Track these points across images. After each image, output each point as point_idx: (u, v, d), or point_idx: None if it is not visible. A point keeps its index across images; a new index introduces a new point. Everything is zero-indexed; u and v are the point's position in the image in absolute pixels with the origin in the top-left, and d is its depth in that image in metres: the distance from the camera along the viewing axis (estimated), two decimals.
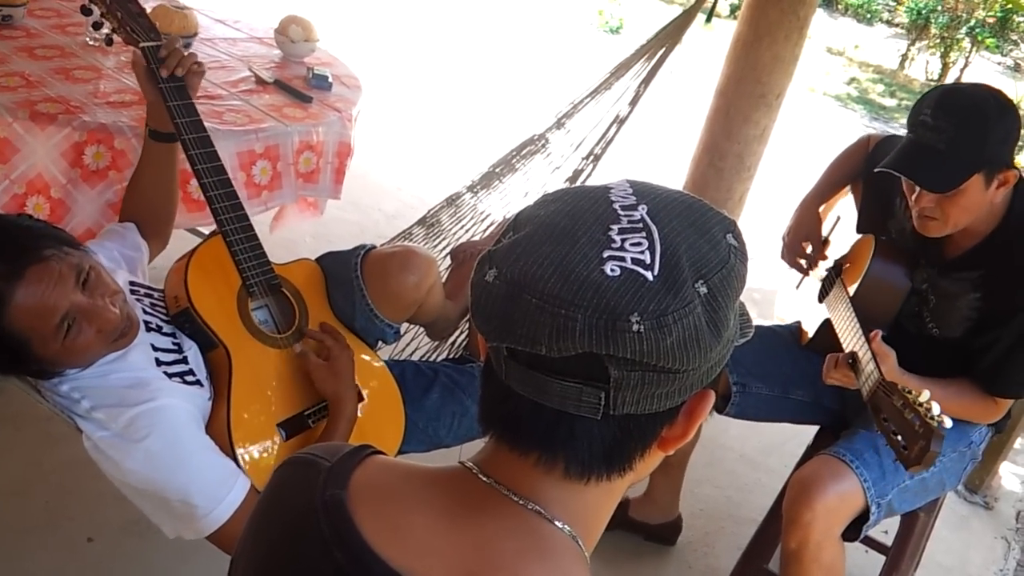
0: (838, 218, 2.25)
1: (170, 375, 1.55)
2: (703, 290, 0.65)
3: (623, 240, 0.66)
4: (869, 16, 13.24)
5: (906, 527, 2.07)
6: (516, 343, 0.66)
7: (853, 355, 1.75)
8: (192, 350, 1.64)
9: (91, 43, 2.25)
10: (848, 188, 2.23)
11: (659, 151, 5.49)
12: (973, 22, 10.39)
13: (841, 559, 1.84)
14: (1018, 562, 2.74)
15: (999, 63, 12.52)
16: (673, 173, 3.83)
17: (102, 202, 1.98)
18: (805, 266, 2.26)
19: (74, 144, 1.89)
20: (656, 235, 0.66)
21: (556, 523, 0.70)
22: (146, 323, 1.60)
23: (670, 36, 2.45)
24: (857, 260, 2.02)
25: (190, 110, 1.72)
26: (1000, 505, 2.98)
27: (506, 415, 0.71)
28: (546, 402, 0.67)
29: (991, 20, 11.28)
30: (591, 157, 2.42)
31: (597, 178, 3.04)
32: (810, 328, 2.13)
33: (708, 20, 10.60)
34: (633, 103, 2.43)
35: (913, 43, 10.78)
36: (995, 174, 1.71)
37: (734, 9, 11.19)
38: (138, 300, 1.65)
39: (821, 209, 2.25)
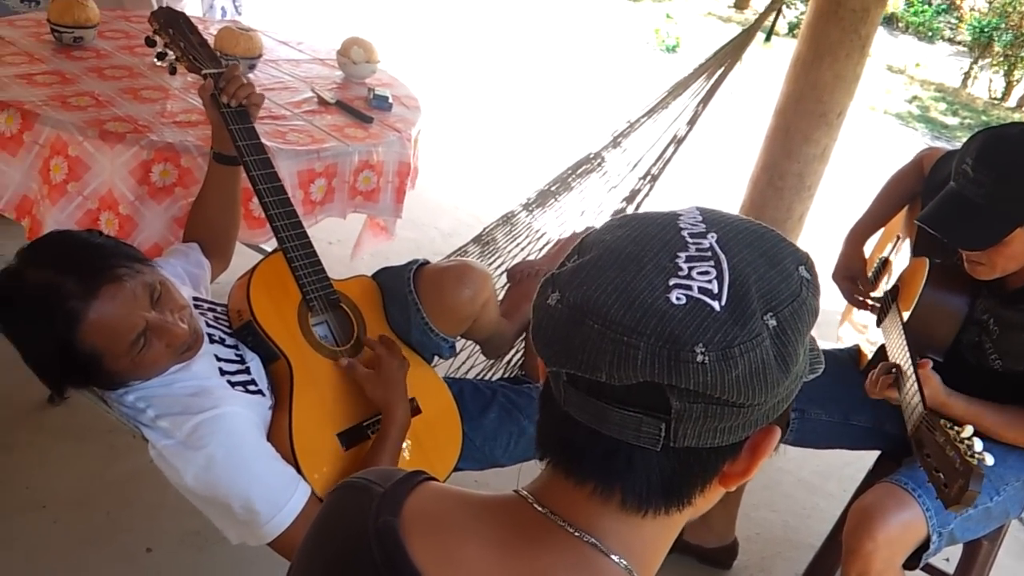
0: (898, 237, 2.21)
1: (233, 384, 1.58)
2: (772, 323, 0.63)
3: (690, 268, 0.64)
4: (930, 34, 13.04)
5: (969, 556, 2.01)
6: (576, 369, 0.64)
7: (896, 367, 1.71)
8: (255, 362, 1.67)
9: (158, 64, 2.30)
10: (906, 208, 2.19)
11: (717, 171, 5.46)
12: None
13: None
14: None
15: None
16: (731, 193, 3.80)
17: (168, 217, 2.03)
18: (861, 301, 2.21)
19: (142, 162, 1.94)
20: (725, 264, 0.64)
21: (613, 556, 0.69)
22: (209, 335, 1.63)
23: (729, 55, 2.44)
24: (910, 285, 1.97)
25: (251, 133, 1.76)
26: None
27: (563, 442, 0.69)
28: (605, 431, 0.66)
29: None
30: (648, 177, 2.42)
31: (654, 198, 3.03)
32: (869, 351, 2.09)
33: (768, 39, 10.52)
34: (692, 122, 2.42)
35: (976, 61, 10.59)
36: None
37: (792, 28, 11.10)
38: (201, 314, 1.69)
39: (881, 232, 2.21)
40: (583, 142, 2.79)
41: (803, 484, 2.92)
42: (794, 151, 3.14)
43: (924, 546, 1.76)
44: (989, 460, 1.42)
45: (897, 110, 8.79)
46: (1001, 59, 10.36)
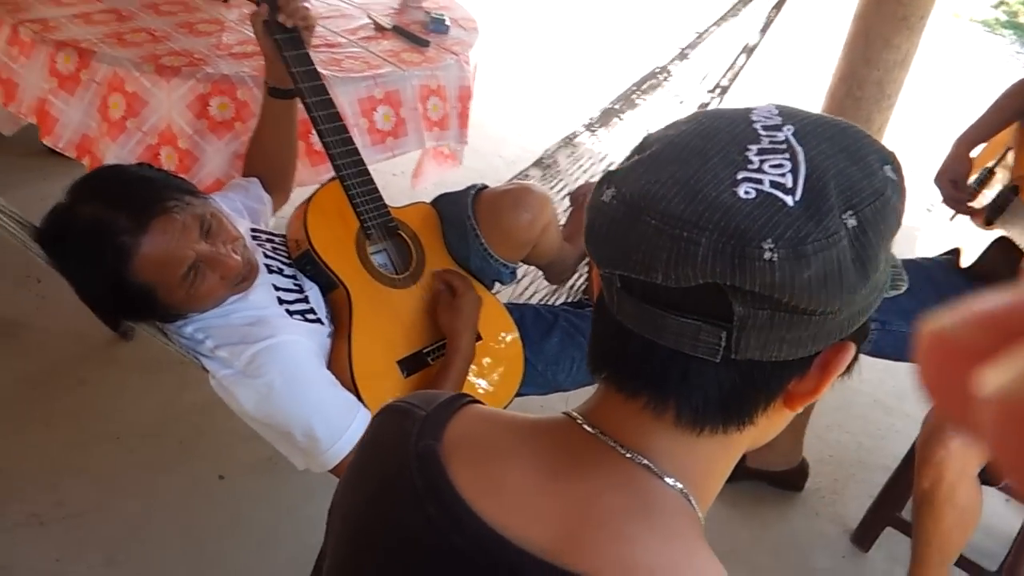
0: (1007, 149, 2.11)
1: (291, 313, 1.58)
2: (852, 222, 0.56)
3: (762, 162, 0.58)
4: None
5: None
6: (631, 271, 0.59)
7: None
8: (313, 291, 1.67)
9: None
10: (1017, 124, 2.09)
11: (793, 84, 5.26)
12: None
13: (977, 502, 1.75)
14: None
15: None
16: (806, 105, 3.65)
17: (229, 152, 2.03)
18: (963, 206, 2.14)
19: (199, 96, 1.94)
20: (801, 157, 0.58)
21: (667, 479, 0.64)
22: (267, 266, 1.64)
23: None
24: None
25: (305, 60, 1.73)
26: None
27: (616, 354, 0.64)
28: (660, 340, 0.60)
29: None
30: (717, 89, 2.32)
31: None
32: (973, 252, 2.01)
33: None
34: (764, 30, 2.30)
35: None
36: None
37: None
38: (259, 245, 1.69)
39: (985, 144, 2.12)
40: (648, 60, 2.70)
41: (879, 405, 2.84)
42: (874, 58, 2.96)
43: None
44: None
45: (983, 17, 8.31)
46: None
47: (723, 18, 2.35)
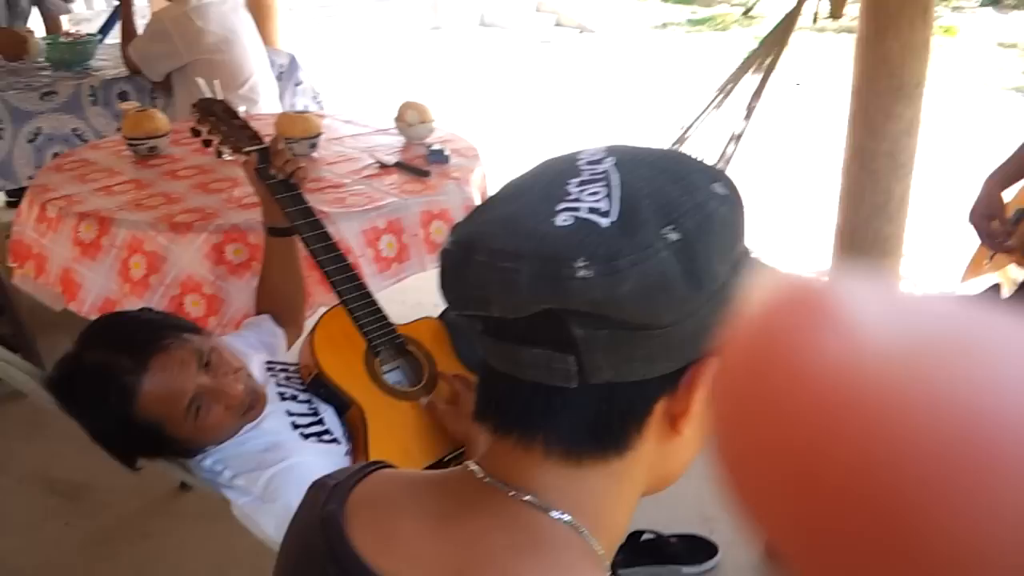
0: None
1: (306, 436, 1.62)
2: (673, 236, 0.59)
3: (581, 192, 0.62)
4: None
5: None
6: (474, 309, 0.63)
7: None
8: (328, 412, 1.71)
9: (228, 158, 2.45)
10: None
11: (808, 165, 5.32)
12: None
13: None
14: None
15: None
16: (830, 185, 3.66)
17: (251, 289, 2.12)
18: (997, 241, 2.15)
19: (213, 246, 2.05)
20: (616, 181, 0.62)
21: (552, 513, 0.65)
22: (280, 394, 1.69)
23: (774, 44, 2.39)
24: None
25: (298, 200, 1.84)
26: None
27: (488, 396, 0.68)
28: (520, 375, 0.63)
29: None
30: None
31: None
32: (1010, 287, 1.99)
33: (815, 20, 10.60)
34: (748, 117, 2.37)
35: None
36: None
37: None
38: (273, 375, 1.75)
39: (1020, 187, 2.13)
40: None
41: None
42: (878, 130, 3.00)
43: None
44: None
45: (1015, 84, 8.31)
46: None
47: (705, 111, 2.43)
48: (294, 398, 1.72)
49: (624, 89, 8.13)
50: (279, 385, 1.73)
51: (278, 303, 1.96)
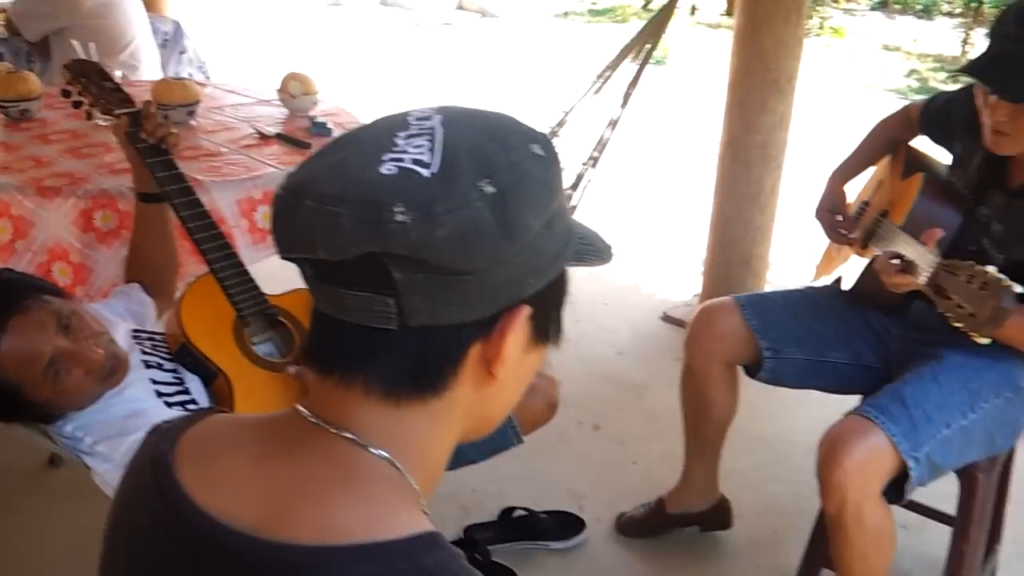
0: (880, 181, 2.22)
1: (170, 404, 1.61)
2: (489, 189, 0.63)
3: (407, 143, 0.65)
4: (927, 10, 12.93)
5: (966, 490, 1.92)
6: (302, 251, 0.65)
7: (898, 255, 1.69)
8: (195, 382, 1.70)
9: (102, 123, 2.39)
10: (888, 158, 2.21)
11: (686, 154, 5.50)
12: None
13: (888, 521, 1.76)
14: None
15: None
16: (707, 175, 3.80)
17: (120, 259, 2.08)
18: (841, 235, 2.22)
19: (81, 211, 2.01)
20: (440, 135, 0.65)
21: (371, 450, 0.68)
22: (145, 362, 1.67)
23: (651, 34, 2.46)
24: (903, 200, 1.98)
25: (169, 165, 1.82)
26: None
27: (314, 338, 0.71)
28: (345, 317, 0.66)
29: None
30: (591, 161, 2.43)
31: (599, 182, 3.05)
32: (852, 279, 2.09)
33: (692, 12, 11.30)
34: (624, 103, 2.44)
35: (971, 27, 10.48)
36: None
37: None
38: (139, 343, 1.72)
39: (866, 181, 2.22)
40: None
41: (812, 453, 2.85)
42: (752, 122, 3.13)
43: (906, 477, 1.72)
44: (1018, 288, 1.40)
45: (895, 86, 8.72)
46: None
47: (584, 96, 2.48)
48: (159, 366, 1.70)
49: (521, 73, 8.20)
50: (144, 353, 1.70)
51: (148, 272, 1.93)
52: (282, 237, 0.67)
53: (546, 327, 0.74)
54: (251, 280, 1.78)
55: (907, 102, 2.24)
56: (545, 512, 2.34)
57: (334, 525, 0.65)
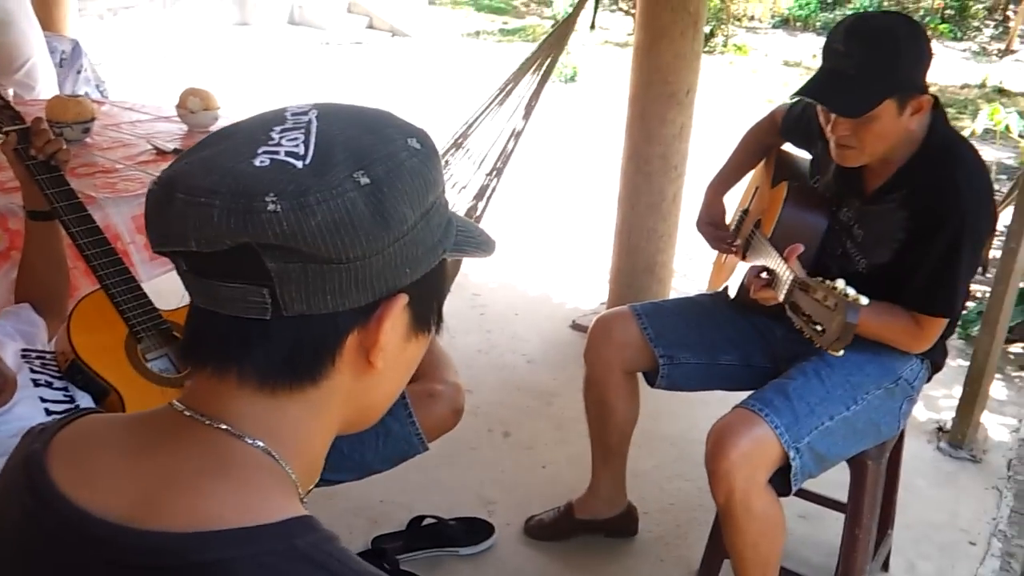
0: (756, 188, 2.28)
1: None
2: (364, 180, 0.64)
3: (282, 138, 0.66)
4: (828, 28, 13.38)
5: (856, 476, 2.00)
6: (174, 245, 0.65)
7: (768, 270, 1.74)
8: (85, 399, 1.66)
9: None
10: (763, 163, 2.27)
11: (591, 166, 5.60)
12: (922, 12, 10.51)
13: (775, 509, 1.81)
14: (1011, 509, 2.67)
15: (963, 49, 12.63)
16: (611, 186, 3.88)
17: (8, 282, 2.02)
18: (725, 245, 2.29)
19: None
20: (314, 128, 0.66)
21: (246, 440, 0.69)
22: (34, 380, 1.63)
23: (553, 47, 2.51)
24: (771, 210, 2.04)
25: (59, 181, 1.79)
26: (989, 457, 2.91)
27: (190, 332, 0.71)
28: (220, 309, 0.66)
29: (948, 11, 11.45)
30: (494, 172, 2.47)
31: (503, 192, 3.09)
32: (735, 287, 2.14)
33: (592, 27, 11.67)
34: (527, 116, 2.48)
35: None
36: (908, 100, 1.71)
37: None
38: (28, 362, 1.68)
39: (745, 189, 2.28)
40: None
41: None
42: (653, 134, 3.21)
43: (789, 468, 1.78)
44: (864, 300, 1.44)
45: (795, 100, 9.00)
46: None
47: (488, 108, 2.52)
48: (49, 384, 1.66)
49: (431, 90, 8.23)
50: (33, 372, 1.66)
51: (39, 291, 1.88)
52: (155, 231, 0.67)
53: (427, 317, 0.75)
54: (144, 296, 1.77)
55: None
56: (454, 519, 2.35)
57: (206, 512, 0.65)
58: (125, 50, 8.19)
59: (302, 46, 10.11)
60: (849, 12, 12.49)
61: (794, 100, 2.17)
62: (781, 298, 1.64)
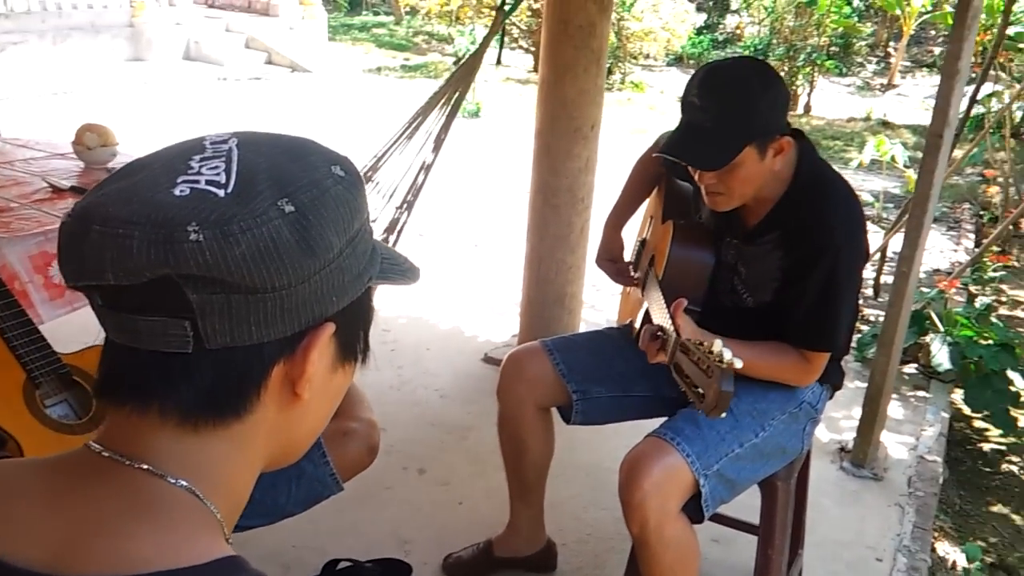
0: (651, 218, 2.31)
1: None
2: (288, 208, 0.63)
3: (202, 166, 0.64)
4: None
5: (767, 497, 2.04)
6: (90, 279, 0.63)
7: (661, 328, 1.74)
8: None
9: None
10: (655, 192, 2.30)
11: (501, 199, 5.64)
12: (809, 49, 10.98)
13: (689, 536, 1.83)
14: (914, 524, 2.76)
15: (848, 84, 13.25)
16: (521, 219, 3.91)
17: None
18: (627, 278, 2.31)
19: None
20: (235, 157, 0.65)
21: (169, 479, 0.66)
22: None
23: (460, 82, 2.53)
24: (661, 248, 2.06)
25: None
26: (891, 475, 3.01)
27: (106, 370, 0.68)
28: (138, 344, 0.64)
29: (834, 48, 11.99)
30: (405, 206, 2.46)
31: (413, 225, 3.09)
32: (637, 323, 2.16)
33: (498, 62, 11.98)
34: (436, 149, 2.48)
35: None
36: (767, 144, 1.74)
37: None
38: None
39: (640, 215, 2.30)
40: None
41: None
42: (559, 167, 3.24)
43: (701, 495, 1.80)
44: (738, 363, 1.45)
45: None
46: (782, 71, 11.13)
47: (397, 141, 2.52)
48: None
49: (332, 125, 8.19)
50: None
51: None
52: (69, 265, 0.64)
53: (353, 345, 0.74)
54: (42, 339, 1.70)
55: None
56: (370, 561, 2.29)
57: (130, 556, 0.62)
58: (15, 87, 7.91)
59: (199, 82, 9.94)
60: (739, 50, 13.08)
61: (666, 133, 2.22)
62: (667, 360, 1.64)
